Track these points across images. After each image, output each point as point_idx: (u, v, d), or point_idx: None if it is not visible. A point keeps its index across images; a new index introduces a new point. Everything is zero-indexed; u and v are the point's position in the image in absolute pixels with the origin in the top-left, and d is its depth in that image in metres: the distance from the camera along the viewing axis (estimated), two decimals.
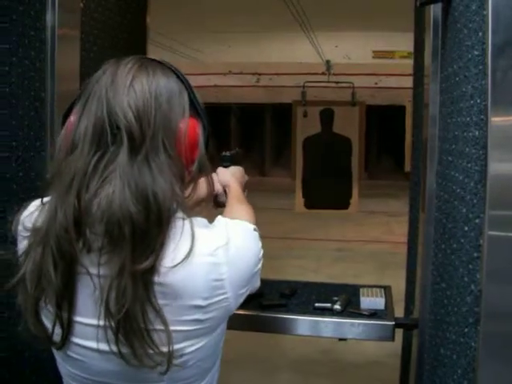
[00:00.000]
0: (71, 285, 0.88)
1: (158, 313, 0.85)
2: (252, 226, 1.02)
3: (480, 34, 0.95)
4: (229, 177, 1.48)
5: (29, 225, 0.92)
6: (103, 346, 0.88)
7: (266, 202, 9.47)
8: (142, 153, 0.86)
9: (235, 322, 1.01)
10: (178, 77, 0.96)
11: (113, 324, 0.84)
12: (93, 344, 0.90)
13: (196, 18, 6.92)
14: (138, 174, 0.85)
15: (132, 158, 0.86)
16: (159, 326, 0.86)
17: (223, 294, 0.91)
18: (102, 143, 0.87)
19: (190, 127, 0.93)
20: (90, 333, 0.89)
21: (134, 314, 0.83)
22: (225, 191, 1.46)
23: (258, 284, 1.01)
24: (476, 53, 0.98)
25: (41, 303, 0.90)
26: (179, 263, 0.85)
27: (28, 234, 0.92)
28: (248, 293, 0.98)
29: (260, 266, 0.99)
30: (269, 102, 11.65)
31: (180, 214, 0.90)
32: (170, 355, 0.86)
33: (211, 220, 1.01)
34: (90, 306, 0.88)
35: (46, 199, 0.93)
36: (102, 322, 0.85)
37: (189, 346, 0.91)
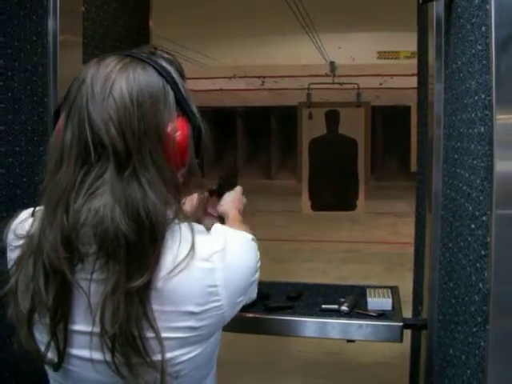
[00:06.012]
0: (65, 300, 0.85)
1: (152, 323, 0.83)
2: (250, 236, 0.99)
3: (483, 28, 0.94)
4: (226, 205, 1.41)
5: (22, 232, 0.90)
6: (96, 355, 0.85)
7: (272, 204, 9.48)
8: (130, 167, 0.83)
9: (241, 325, 1.00)
10: (161, 74, 0.90)
11: (107, 337, 0.82)
12: (86, 353, 0.87)
13: (199, 22, 6.93)
14: (127, 189, 0.82)
15: (120, 172, 0.83)
16: (152, 334, 0.84)
17: (217, 300, 0.87)
18: (88, 158, 0.84)
19: (178, 130, 0.89)
20: (84, 341, 0.87)
21: (129, 329, 0.82)
22: (222, 218, 1.38)
23: (254, 295, 0.99)
24: (479, 48, 0.97)
25: (34, 317, 0.87)
26: (178, 267, 0.83)
27: (20, 242, 0.89)
28: (244, 303, 0.95)
29: (257, 276, 0.96)
30: (274, 105, 11.66)
31: (177, 221, 0.87)
32: (163, 363, 0.84)
33: None
34: (83, 316, 0.86)
35: (37, 209, 0.90)
36: (96, 330, 0.84)
37: (182, 355, 0.88)
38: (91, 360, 0.87)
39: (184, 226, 0.87)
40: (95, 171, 0.83)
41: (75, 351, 0.88)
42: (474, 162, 1.02)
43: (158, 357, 0.84)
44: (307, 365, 3.56)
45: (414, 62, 2.21)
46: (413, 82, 2.39)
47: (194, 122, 0.93)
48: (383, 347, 2.74)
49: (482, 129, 0.96)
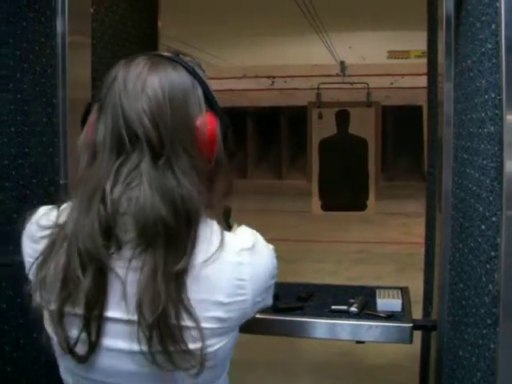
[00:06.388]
0: (100, 287, 0.87)
1: (189, 310, 0.85)
2: (272, 246, 1.02)
3: (493, 26, 0.93)
4: None
5: (47, 223, 0.92)
6: (131, 345, 0.86)
7: (283, 205, 9.46)
8: (164, 158, 0.87)
9: (251, 326, 1.00)
10: (189, 72, 0.95)
11: (145, 326, 0.84)
12: (119, 343, 0.88)
13: (209, 22, 6.93)
14: (162, 178, 0.86)
15: (155, 162, 0.87)
16: (190, 323, 0.86)
17: (243, 294, 0.90)
18: (122, 150, 0.88)
19: (207, 123, 0.93)
20: (118, 330, 0.87)
21: (167, 315, 0.84)
22: None
23: (270, 301, 1.01)
24: (489, 46, 0.96)
25: (66, 307, 0.87)
26: (211, 257, 0.87)
27: (46, 232, 0.91)
28: (260, 307, 0.96)
29: (273, 282, 0.99)
30: (284, 105, 11.63)
31: (207, 214, 0.91)
32: (202, 351, 0.86)
33: None
34: (118, 305, 0.87)
35: (63, 205, 0.93)
36: (133, 318, 0.85)
37: (210, 346, 0.90)
38: (126, 350, 0.87)
39: (214, 221, 0.92)
40: (130, 161, 0.87)
41: (107, 341, 0.89)
42: (484, 162, 1.01)
43: (194, 345, 0.86)
44: (318, 365, 3.55)
45: (425, 61, 2.20)
46: (423, 81, 2.37)
47: (221, 116, 0.97)
48: (394, 348, 2.72)
49: (492, 128, 0.95)
